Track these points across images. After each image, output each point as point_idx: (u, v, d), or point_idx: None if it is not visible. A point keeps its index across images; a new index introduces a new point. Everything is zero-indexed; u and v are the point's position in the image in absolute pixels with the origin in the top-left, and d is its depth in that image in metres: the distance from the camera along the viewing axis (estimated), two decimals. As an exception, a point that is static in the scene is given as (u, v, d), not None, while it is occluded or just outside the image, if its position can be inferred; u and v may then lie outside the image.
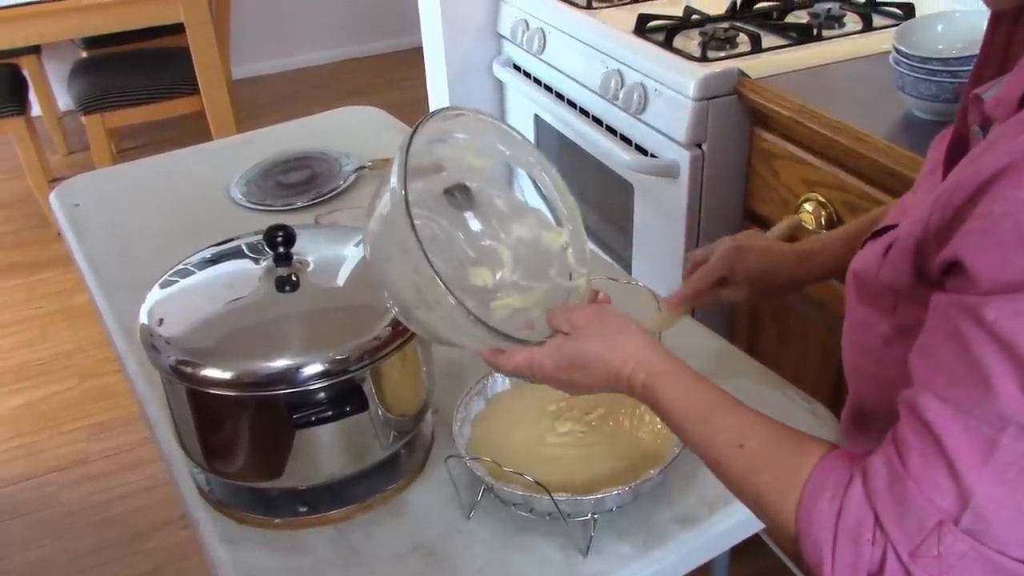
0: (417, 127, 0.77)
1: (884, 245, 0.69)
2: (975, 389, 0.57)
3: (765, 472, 0.68)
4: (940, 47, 1.42)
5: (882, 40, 1.70)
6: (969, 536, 0.58)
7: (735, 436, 0.71)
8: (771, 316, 1.72)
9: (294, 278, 0.94)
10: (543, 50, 2.13)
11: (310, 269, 0.96)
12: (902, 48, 1.39)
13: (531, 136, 2.35)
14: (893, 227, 0.70)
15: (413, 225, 0.73)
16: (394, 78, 4.66)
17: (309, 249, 0.98)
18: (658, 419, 0.97)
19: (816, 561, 0.63)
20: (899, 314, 0.69)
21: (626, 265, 2.00)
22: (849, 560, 0.61)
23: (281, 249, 0.94)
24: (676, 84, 1.67)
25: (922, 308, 0.62)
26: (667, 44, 1.77)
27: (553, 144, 2.25)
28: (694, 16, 1.88)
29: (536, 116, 2.28)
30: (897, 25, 1.62)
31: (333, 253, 1.01)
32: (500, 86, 2.44)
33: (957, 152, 0.69)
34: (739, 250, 1.02)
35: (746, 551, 1.07)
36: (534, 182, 0.90)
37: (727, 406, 0.73)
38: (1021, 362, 0.54)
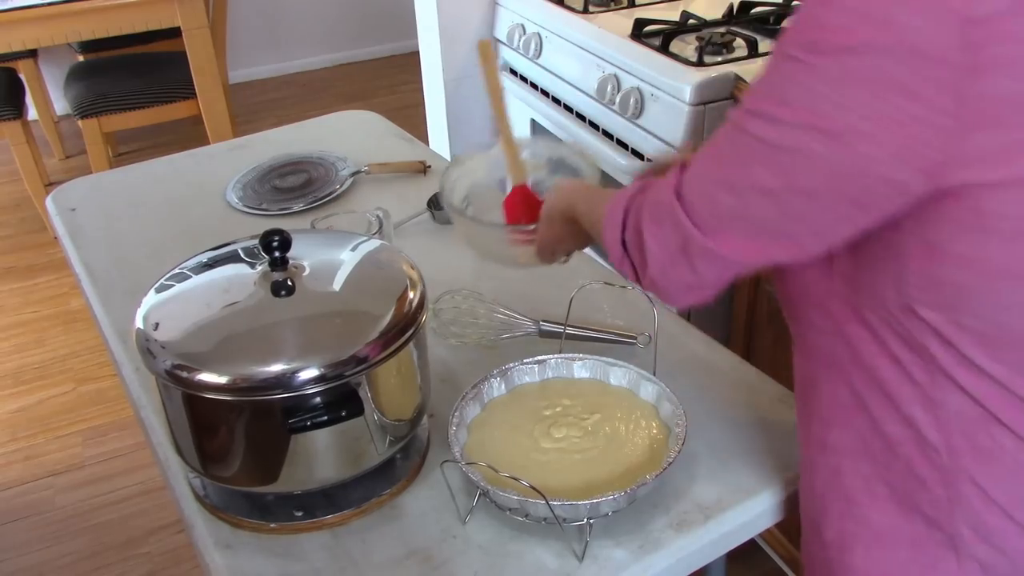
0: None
1: None
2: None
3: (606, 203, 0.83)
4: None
5: (878, 45, 1.70)
6: (673, 193, 0.72)
7: (605, 198, 0.85)
8: (767, 320, 1.72)
9: (290, 282, 0.94)
10: (539, 55, 2.14)
11: (306, 273, 0.95)
12: (897, 53, 1.39)
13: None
14: None
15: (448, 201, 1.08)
16: (391, 82, 4.67)
17: (305, 253, 0.98)
18: (654, 424, 0.98)
19: (601, 228, 0.82)
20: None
21: (623, 269, 2.00)
22: (614, 221, 0.80)
23: (277, 254, 0.94)
24: (672, 89, 1.68)
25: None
26: (663, 49, 1.77)
27: (550, 148, 2.24)
28: (691, 21, 1.89)
29: (532, 120, 2.28)
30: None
31: (329, 257, 1.01)
32: (497, 90, 2.44)
33: None
34: None
35: (742, 557, 1.07)
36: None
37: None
38: (777, 56, 0.64)
